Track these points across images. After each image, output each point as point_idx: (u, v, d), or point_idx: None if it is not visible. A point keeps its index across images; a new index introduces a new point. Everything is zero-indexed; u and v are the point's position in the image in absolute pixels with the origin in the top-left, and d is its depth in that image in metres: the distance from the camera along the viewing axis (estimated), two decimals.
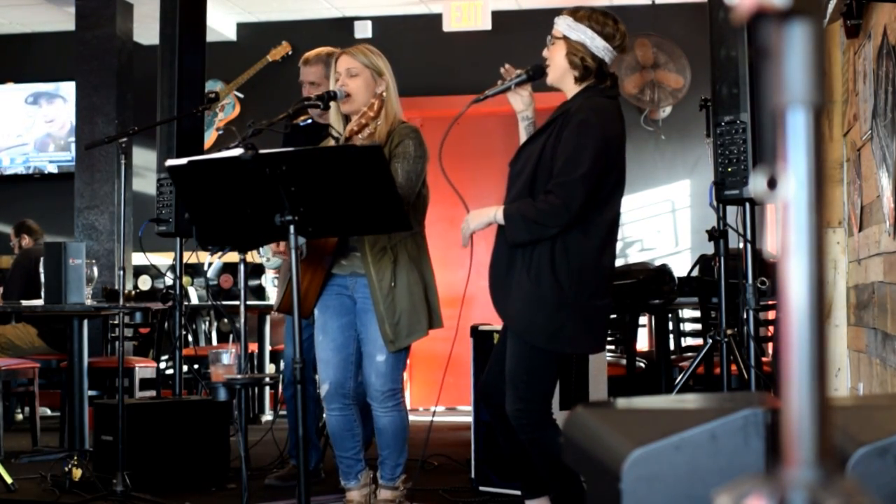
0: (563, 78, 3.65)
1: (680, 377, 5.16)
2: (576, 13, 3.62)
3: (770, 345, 5.95)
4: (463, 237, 3.67)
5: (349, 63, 4.07)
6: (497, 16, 8.50)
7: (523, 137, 3.78)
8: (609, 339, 6.23)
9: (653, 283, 5.54)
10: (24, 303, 6.27)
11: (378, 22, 8.89)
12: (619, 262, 5.20)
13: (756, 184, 0.95)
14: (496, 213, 3.59)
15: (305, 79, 5.14)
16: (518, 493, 4.47)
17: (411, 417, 7.43)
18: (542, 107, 3.75)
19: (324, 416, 5.43)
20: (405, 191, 3.94)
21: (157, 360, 7.16)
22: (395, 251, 4.04)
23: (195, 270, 7.96)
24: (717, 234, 4.77)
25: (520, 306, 3.53)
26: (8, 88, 9.32)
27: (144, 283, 7.94)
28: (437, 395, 4.53)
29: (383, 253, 4.02)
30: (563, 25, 3.63)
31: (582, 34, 3.58)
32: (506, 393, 3.58)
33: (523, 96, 3.75)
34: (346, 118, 4.12)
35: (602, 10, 3.65)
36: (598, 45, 3.58)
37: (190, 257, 5.56)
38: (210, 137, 8.87)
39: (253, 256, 6.69)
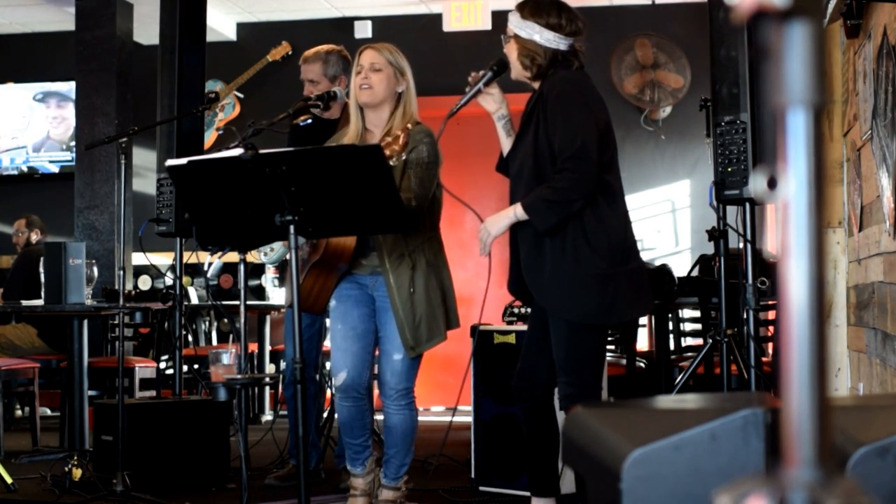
0: (522, 75, 3.68)
1: (680, 377, 5.16)
2: (522, 9, 3.65)
3: (770, 345, 5.95)
4: (484, 246, 3.64)
5: (373, 58, 4.08)
6: (497, 16, 8.50)
7: (502, 137, 3.78)
8: (609, 338, 6.23)
9: (653, 283, 5.54)
10: (24, 303, 6.27)
11: (378, 22, 8.89)
12: None
13: (756, 184, 0.95)
14: (514, 211, 3.57)
15: (305, 77, 5.15)
16: (518, 492, 4.47)
17: None
18: (516, 108, 3.72)
19: (324, 415, 5.44)
20: (419, 198, 3.95)
21: (157, 360, 7.16)
22: (413, 257, 4.03)
23: (195, 270, 7.96)
24: (717, 234, 4.77)
25: (567, 292, 3.52)
26: (9, 88, 9.32)
27: (144, 283, 7.93)
28: (458, 395, 4.51)
29: (401, 259, 4.02)
30: (513, 22, 3.65)
31: (530, 30, 3.61)
32: (557, 381, 3.59)
33: (494, 95, 3.76)
34: (362, 111, 4.13)
35: (547, 0, 3.65)
36: (547, 38, 3.60)
37: (190, 257, 5.56)
38: (210, 137, 8.87)
39: (253, 256, 6.69)
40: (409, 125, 4.06)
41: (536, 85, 3.67)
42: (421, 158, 4.01)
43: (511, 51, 3.67)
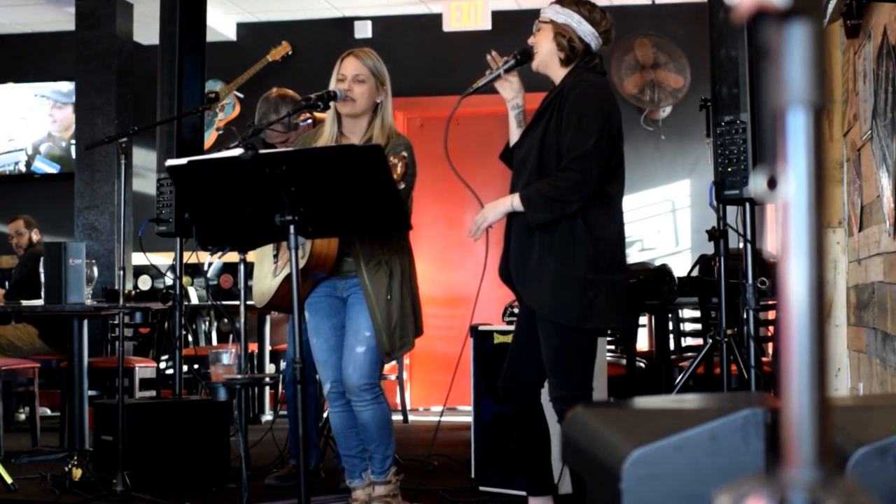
0: (549, 61, 3.67)
1: (680, 377, 5.15)
2: (563, 0, 3.65)
3: (770, 345, 5.95)
4: (477, 230, 3.66)
5: (357, 68, 4.08)
6: (497, 16, 8.50)
7: (513, 127, 3.78)
8: (609, 338, 6.23)
9: (653, 283, 5.54)
10: (25, 303, 6.27)
11: (378, 22, 8.89)
12: None
13: (756, 184, 0.95)
14: (512, 200, 3.58)
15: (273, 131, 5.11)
16: (518, 493, 4.47)
17: (411, 417, 7.47)
18: (531, 108, 3.73)
19: (324, 415, 5.44)
20: None
21: (157, 360, 7.16)
22: (389, 265, 4.06)
23: (195, 270, 7.96)
24: (717, 234, 4.77)
25: (548, 288, 3.53)
26: (9, 88, 9.32)
27: (144, 283, 7.93)
28: (446, 396, 4.51)
29: (378, 267, 4.05)
30: (549, 11, 3.67)
31: (568, 18, 3.62)
32: (548, 382, 3.59)
33: (512, 83, 3.76)
34: (338, 116, 4.13)
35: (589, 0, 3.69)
36: (584, 30, 3.61)
37: (190, 257, 5.55)
38: (210, 137, 8.87)
39: (252, 256, 6.67)
40: (390, 135, 4.08)
41: (557, 78, 3.66)
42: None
43: (542, 36, 3.66)
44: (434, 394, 8.57)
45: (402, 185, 3.86)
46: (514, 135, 3.77)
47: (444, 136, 3.67)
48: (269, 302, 4.29)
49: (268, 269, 4.31)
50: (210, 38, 6.10)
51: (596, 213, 3.53)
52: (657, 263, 6.12)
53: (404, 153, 3.99)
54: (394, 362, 7.05)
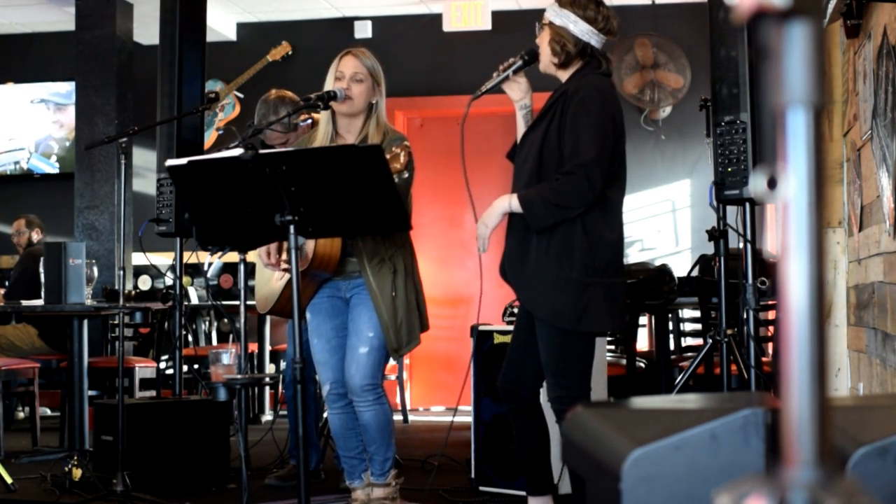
0: (550, 64, 3.68)
1: (680, 377, 5.15)
2: (560, 0, 3.67)
3: (770, 345, 5.95)
4: (482, 242, 3.63)
5: (356, 67, 4.08)
6: (497, 16, 8.50)
7: (521, 127, 3.79)
8: (609, 338, 6.23)
9: (653, 283, 5.54)
10: (25, 303, 6.27)
11: (378, 22, 8.89)
12: None
13: (756, 184, 0.95)
14: (510, 201, 3.58)
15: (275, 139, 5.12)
16: (518, 493, 4.47)
17: (411, 417, 7.47)
18: (538, 108, 3.73)
19: (324, 415, 5.45)
20: None
21: (157, 360, 7.16)
22: (393, 261, 4.07)
23: (195, 270, 7.96)
24: (717, 234, 4.77)
25: (544, 290, 3.53)
26: (9, 88, 9.32)
27: (144, 283, 7.93)
28: (458, 396, 4.51)
29: (382, 264, 4.05)
30: (549, 12, 3.68)
31: (565, 19, 3.63)
32: (546, 382, 3.60)
33: (520, 83, 3.77)
34: (333, 115, 4.13)
35: None
36: (581, 29, 3.62)
37: (190, 257, 5.55)
38: (210, 137, 8.87)
39: (252, 257, 6.67)
40: (385, 132, 4.09)
41: (563, 78, 3.67)
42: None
43: (543, 39, 3.68)
44: (434, 394, 8.57)
45: (406, 175, 3.87)
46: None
47: (460, 144, 3.69)
48: (272, 307, 4.30)
49: (270, 273, 4.32)
50: (210, 38, 6.10)
51: (594, 217, 3.52)
52: (657, 263, 6.12)
53: (406, 142, 4.00)
54: (394, 362, 7.06)
